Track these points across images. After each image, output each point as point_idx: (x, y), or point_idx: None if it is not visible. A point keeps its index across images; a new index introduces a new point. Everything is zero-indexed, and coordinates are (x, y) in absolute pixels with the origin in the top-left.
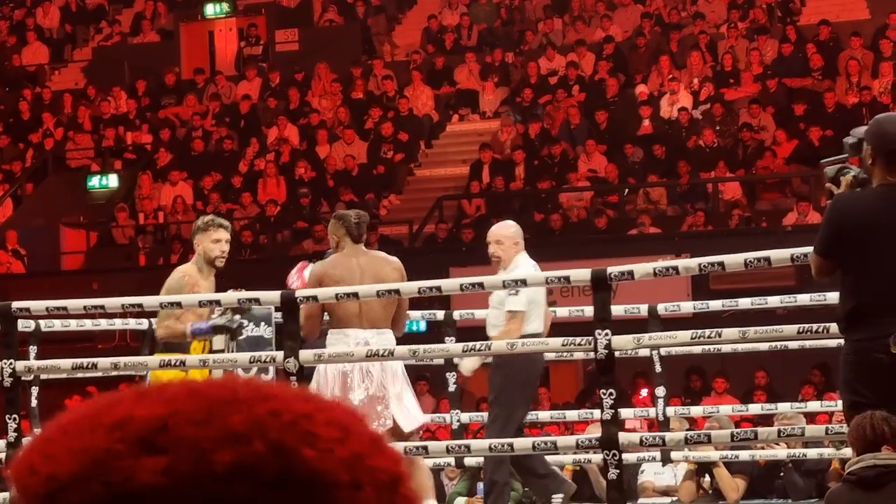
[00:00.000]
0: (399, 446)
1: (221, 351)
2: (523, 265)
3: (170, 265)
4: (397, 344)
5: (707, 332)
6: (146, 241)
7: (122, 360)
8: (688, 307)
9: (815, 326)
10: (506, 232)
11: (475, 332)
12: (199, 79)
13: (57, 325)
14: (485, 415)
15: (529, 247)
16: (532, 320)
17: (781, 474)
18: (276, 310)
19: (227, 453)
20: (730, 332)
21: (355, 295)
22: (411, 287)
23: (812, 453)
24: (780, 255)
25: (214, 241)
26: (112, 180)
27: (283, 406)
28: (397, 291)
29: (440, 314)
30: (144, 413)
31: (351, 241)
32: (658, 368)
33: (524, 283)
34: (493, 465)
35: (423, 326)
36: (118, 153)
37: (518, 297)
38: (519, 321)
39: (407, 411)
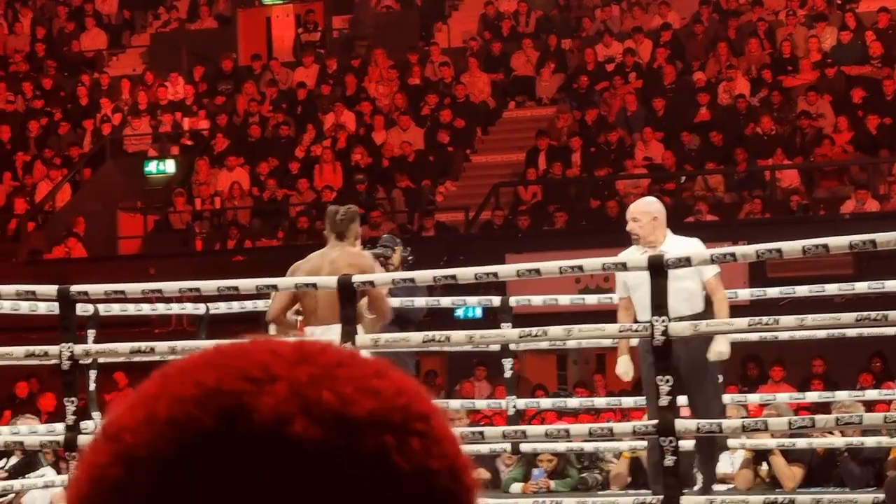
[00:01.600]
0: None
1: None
2: (681, 240)
3: (226, 251)
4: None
5: (765, 319)
6: (203, 227)
7: (180, 344)
8: (745, 294)
9: (873, 314)
10: (643, 208)
11: (531, 318)
12: (257, 65)
13: (115, 309)
14: (540, 401)
15: (585, 234)
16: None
17: (838, 463)
18: None
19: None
20: (787, 320)
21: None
22: (467, 273)
23: (870, 442)
24: (838, 242)
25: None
26: (169, 166)
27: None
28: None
29: (496, 300)
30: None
31: (333, 238)
32: None
33: (580, 268)
34: (709, 453)
35: (479, 313)
36: (175, 139)
37: (715, 266)
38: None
39: None
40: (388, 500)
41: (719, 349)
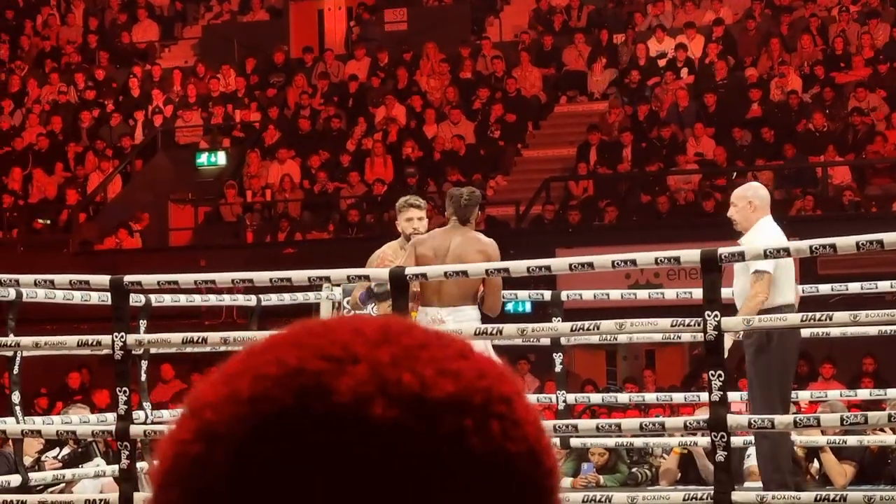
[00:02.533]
0: None
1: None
2: (762, 230)
3: (277, 243)
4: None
5: (818, 314)
6: (254, 219)
7: (232, 335)
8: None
9: None
10: (740, 193)
11: (581, 313)
12: (308, 57)
13: (167, 300)
14: (590, 395)
15: (636, 229)
16: (784, 290)
17: (889, 461)
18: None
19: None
20: (841, 316)
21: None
22: (520, 266)
23: None
24: (893, 238)
25: (407, 220)
26: (220, 158)
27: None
28: (465, 273)
29: (547, 294)
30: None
31: (455, 220)
32: None
33: (633, 262)
34: (772, 467)
35: (528, 307)
36: (227, 131)
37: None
38: (765, 283)
39: None
40: (465, 482)
41: None
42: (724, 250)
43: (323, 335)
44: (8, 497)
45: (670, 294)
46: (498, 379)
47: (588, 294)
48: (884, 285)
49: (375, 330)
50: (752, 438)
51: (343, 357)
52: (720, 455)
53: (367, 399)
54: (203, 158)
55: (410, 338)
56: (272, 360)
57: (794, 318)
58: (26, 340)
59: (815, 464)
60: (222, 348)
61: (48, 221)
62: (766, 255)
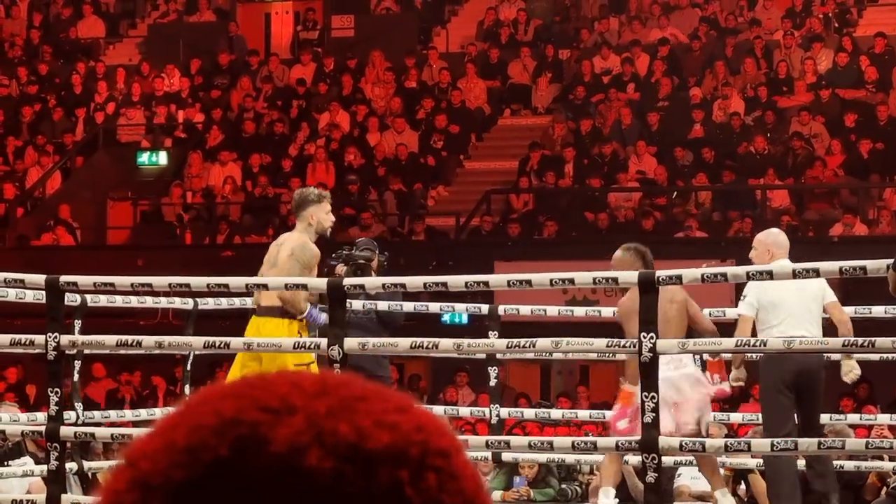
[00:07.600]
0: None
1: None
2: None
3: (216, 245)
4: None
5: (752, 339)
6: (193, 220)
7: (167, 339)
8: (732, 313)
9: (860, 340)
10: (761, 238)
11: (518, 326)
12: (254, 60)
13: (102, 300)
14: (524, 410)
15: (574, 244)
16: (776, 323)
17: None
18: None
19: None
20: (775, 343)
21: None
22: (458, 280)
23: (849, 465)
24: (828, 267)
25: (327, 213)
26: (162, 157)
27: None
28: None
29: (484, 308)
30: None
31: None
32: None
33: (571, 281)
34: (775, 481)
35: (465, 319)
36: (169, 131)
37: (743, 301)
38: (744, 324)
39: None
40: None
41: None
42: (661, 273)
43: (261, 387)
44: None
45: (607, 312)
46: (436, 433)
47: (525, 309)
48: None
49: (313, 382)
50: (682, 458)
51: (280, 408)
52: (650, 476)
53: (302, 449)
54: (144, 157)
55: (348, 390)
56: (209, 411)
57: (728, 343)
58: None
59: (743, 486)
60: (156, 351)
61: None
62: (703, 279)
